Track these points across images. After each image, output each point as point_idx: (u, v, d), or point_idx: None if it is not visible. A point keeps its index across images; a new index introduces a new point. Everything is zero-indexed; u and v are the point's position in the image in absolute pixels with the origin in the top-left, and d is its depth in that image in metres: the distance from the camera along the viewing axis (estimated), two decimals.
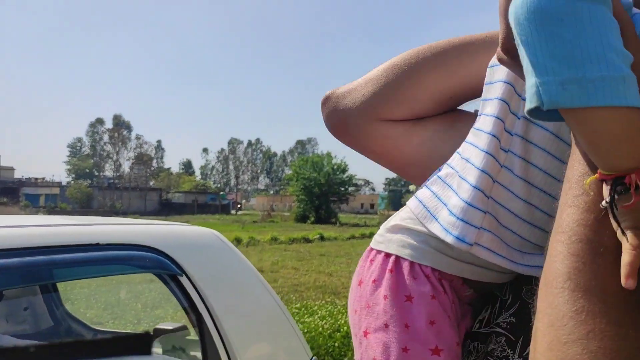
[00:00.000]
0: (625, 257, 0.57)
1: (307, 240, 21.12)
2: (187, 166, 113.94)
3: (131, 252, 1.58)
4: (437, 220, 0.83)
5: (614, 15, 0.59)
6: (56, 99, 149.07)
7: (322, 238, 22.01)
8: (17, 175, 79.32)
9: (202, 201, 67.58)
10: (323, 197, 43.27)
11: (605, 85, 0.55)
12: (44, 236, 1.43)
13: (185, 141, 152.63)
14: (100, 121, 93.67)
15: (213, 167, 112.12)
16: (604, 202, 0.61)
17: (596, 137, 0.59)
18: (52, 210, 45.82)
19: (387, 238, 0.88)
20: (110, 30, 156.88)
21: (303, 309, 6.59)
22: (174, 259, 1.67)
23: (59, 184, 71.16)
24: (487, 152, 0.81)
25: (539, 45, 0.58)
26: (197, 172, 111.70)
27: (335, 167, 45.64)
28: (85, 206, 57.97)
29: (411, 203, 0.90)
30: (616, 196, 0.60)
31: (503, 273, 0.82)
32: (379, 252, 0.87)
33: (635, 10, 0.67)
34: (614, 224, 0.61)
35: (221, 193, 78.44)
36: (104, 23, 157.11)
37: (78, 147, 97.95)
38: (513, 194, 0.81)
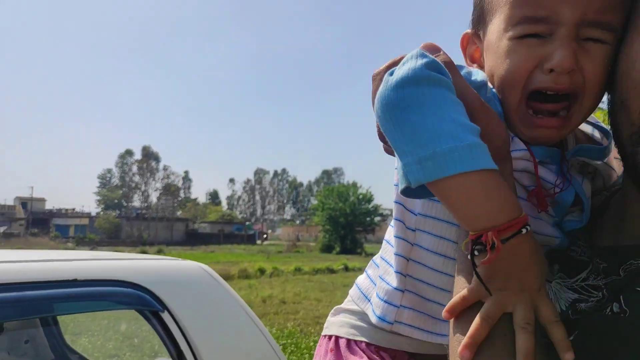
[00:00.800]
0: (474, 324, 0.63)
1: (331, 271, 20.95)
2: (214, 196, 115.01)
3: (109, 288, 1.58)
4: (369, 301, 0.92)
5: (458, 94, 0.67)
6: (87, 131, 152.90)
7: (346, 268, 21.81)
8: (49, 206, 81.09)
9: (228, 231, 67.91)
10: (348, 227, 43.08)
11: (454, 155, 0.61)
12: (20, 272, 1.45)
13: (212, 172, 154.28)
14: (129, 152, 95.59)
15: (239, 197, 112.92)
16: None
17: (455, 202, 0.65)
18: (80, 241, 46.53)
19: (329, 322, 0.99)
20: (138, 64, 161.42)
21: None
22: (155, 295, 1.66)
23: (88, 215, 72.40)
24: (396, 236, 0.88)
25: (395, 132, 0.65)
26: (224, 202, 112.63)
27: (360, 197, 45.54)
28: (113, 237, 58.80)
29: (352, 288, 1.01)
30: (476, 254, 0.64)
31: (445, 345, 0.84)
32: (323, 336, 0.98)
33: (490, 85, 0.77)
34: (475, 282, 0.63)
35: (247, 223, 78.75)
36: (133, 57, 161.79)
37: (107, 178, 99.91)
38: (429, 268, 0.85)
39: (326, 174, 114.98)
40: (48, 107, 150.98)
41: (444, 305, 0.68)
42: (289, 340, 7.86)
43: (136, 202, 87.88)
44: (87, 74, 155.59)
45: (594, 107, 0.76)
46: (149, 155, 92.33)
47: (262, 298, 12.05)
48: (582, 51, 0.71)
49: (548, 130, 0.74)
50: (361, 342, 0.91)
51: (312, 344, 7.71)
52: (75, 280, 1.53)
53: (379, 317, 0.88)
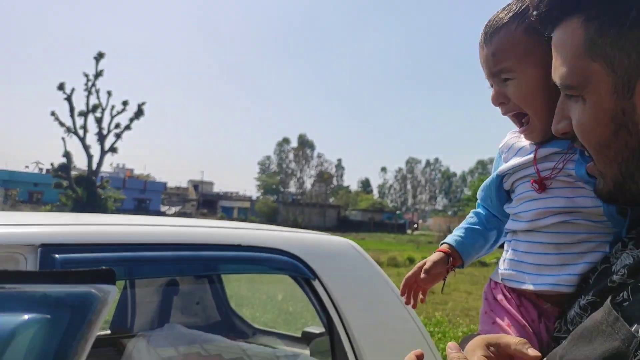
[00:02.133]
0: None
1: (483, 264, 20.25)
2: (365, 184, 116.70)
3: (268, 255, 1.75)
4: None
5: None
6: (250, 120, 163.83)
7: (499, 262, 20.90)
8: (216, 189, 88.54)
9: (379, 219, 68.60)
10: None
11: None
12: (197, 235, 1.66)
13: (364, 160, 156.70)
14: (286, 140, 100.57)
15: (390, 186, 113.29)
16: None
17: None
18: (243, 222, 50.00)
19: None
20: (294, 57, 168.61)
21: (469, 333, 6.38)
22: (307, 264, 1.80)
23: (249, 198, 77.75)
24: None
25: None
26: (375, 191, 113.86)
27: None
28: (270, 220, 62.48)
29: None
30: None
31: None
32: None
33: None
34: None
35: (397, 212, 78.85)
36: (289, 49, 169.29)
37: (267, 165, 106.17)
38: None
39: (481, 164, 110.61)
40: (215, 99, 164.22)
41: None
42: (436, 329, 7.80)
43: (292, 188, 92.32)
44: (248, 67, 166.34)
45: (540, 110, 1.03)
46: (304, 143, 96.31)
47: None
48: (505, 86, 1.07)
49: (526, 134, 1.10)
50: (501, 283, 1.15)
51: (460, 334, 7.57)
52: (239, 246, 1.71)
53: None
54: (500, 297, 1.13)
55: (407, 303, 1.31)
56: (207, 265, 1.70)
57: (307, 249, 1.86)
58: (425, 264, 1.26)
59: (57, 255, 1.35)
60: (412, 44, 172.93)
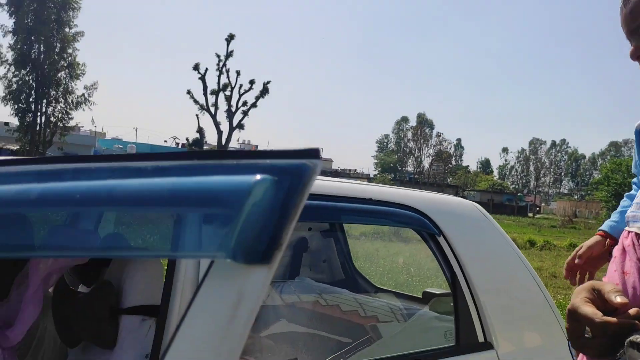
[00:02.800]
0: None
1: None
2: (485, 165, 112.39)
3: (396, 210, 1.90)
4: None
5: None
6: (369, 99, 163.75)
7: None
8: (334, 166, 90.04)
9: (498, 201, 65.90)
10: None
11: None
12: (332, 188, 1.85)
13: (484, 140, 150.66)
14: (405, 119, 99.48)
15: (512, 167, 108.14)
16: None
17: None
18: None
19: None
20: (412, 36, 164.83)
21: None
22: (432, 220, 1.92)
23: (367, 176, 78.22)
24: None
25: None
26: (495, 172, 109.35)
27: None
28: None
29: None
30: None
31: None
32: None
33: None
34: None
35: (519, 194, 75.21)
36: (409, 27, 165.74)
37: (385, 143, 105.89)
38: None
39: (614, 145, 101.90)
40: (335, 77, 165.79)
41: None
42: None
43: (409, 166, 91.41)
44: (370, 45, 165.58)
45: None
46: (423, 122, 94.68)
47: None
48: None
49: None
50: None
51: None
52: (370, 200, 1.88)
53: None
54: (627, 242, 1.20)
55: (573, 284, 1.46)
56: (342, 214, 1.88)
57: (433, 206, 1.98)
58: (580, 248, 1.41)
59: None
60: (534, 22, 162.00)
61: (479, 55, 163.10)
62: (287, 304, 2.55)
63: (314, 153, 0.61)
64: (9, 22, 33.26)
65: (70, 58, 34.32)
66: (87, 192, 0.61)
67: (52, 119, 33.13)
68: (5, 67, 33.35)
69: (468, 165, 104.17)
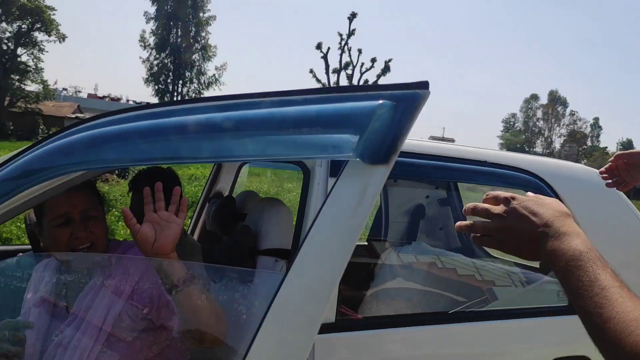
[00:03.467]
0: None
1: None
2: (627, 146, 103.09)
3: (511, 172, 1.96)
4: None
5: None
6: (495, 76, 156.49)
7: None
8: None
9: None
10: None
11: None
12: (449, 150, 1.97)
13: (627, 119, 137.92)
14: (534, 97, 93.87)
15: None
16: None
17: None
18: None
19: None
20: (543, 5, 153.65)
21: None
22: (548, 184, 1.96)
23: None
24: None
25: None
26: None
27: None
28: None
29: None
30: None
31: None
32: None
33: None
34: None
35: None
36: (541, 2, 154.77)
37: (511, 122, 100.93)
38: None
39: None
40: (458, 54, 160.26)
41: None
42: None
43: (538, 147, 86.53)
44: (496, 20, 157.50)
45: None
46: (555, 100, 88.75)
47: None
48: None
49: None
50: None
51: None
52: (485, 162, 1.96)
53: None
54: None
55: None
56: (458, 174, 1.99)
57: (549, 170, 2.02)
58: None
59: None
60: None
61: (621, 25, 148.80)
62: (404, 264, 2.69)
63: (423, 85, 0.81)
64: (152, 9, 36.14)
65: (203, 41, 36.61)
66: (260, 117, 0.87)
67: (186, 98, 35.66)
68: (147, 51, 36.39)
69: (606, 147, 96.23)
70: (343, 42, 33.98)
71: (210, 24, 36.57)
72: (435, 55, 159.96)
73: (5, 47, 35.53)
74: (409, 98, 0.85)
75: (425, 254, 2.84)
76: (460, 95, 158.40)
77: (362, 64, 34.26)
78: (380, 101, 0.84)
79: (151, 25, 36.29)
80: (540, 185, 1.95)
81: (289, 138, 0.92)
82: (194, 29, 36.05)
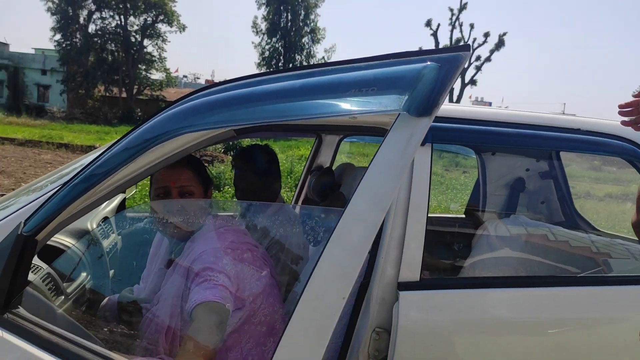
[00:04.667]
0: None
1: None
2: None
3: (605, 139, 1.93)
4: None
5: None
6: (618, 49, 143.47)
7: None
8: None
9: None
10: None
11: None
12: (544, 119, 1.98)
13: None
14: None
15: None
16: None
17: None
18: None
19: None
20: None
21: None
22: None
23: None
24: None
25: None
26: None
27: None
28: None
29: None
30: None
31: None
32: None
33: None
34: None
35: None
36: None
37: None
38: None
39: None
40: (577, 27, 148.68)
41: None
42: None
43: None
44: None
45: None
46: None
47: None
48: None
49: None
50: None
51: None
52: (579, 130, 1.95)
53: None
54: None
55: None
56: (552, 142, 1.99)
57: None
58: None
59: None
60: None
61: None
62: (512, 235, 2.66)
63: (465, 48, 0.94)
64: None
65: (312, 24, 37.22)
66: (327, 82, 1.09)
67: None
68: (259, 37, 37.67)
69: None
70: (454, 18, 33.00)
71: (319, 6, 37.06)
72: (555, 27, 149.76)
73: (133, 40, 38.49)
74: (451, 59, 1.01)
75: (533, 226, 2.79)
76: (580, 68, 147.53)
77: (474, 39, 33.09)
78: (427, 63, 1.01)
79: (262, 11, 37.57)
80: (636, 151, 1.91)
81: (352, 99, 1.11)
82: (303, 12, 36.76)
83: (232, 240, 1.76)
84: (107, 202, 2.63)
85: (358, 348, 1.74)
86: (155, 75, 39.63)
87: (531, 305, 1.83)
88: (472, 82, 33.57)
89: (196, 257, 1.67)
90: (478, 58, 33.28)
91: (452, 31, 33.00)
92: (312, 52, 37.38)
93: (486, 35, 32.64)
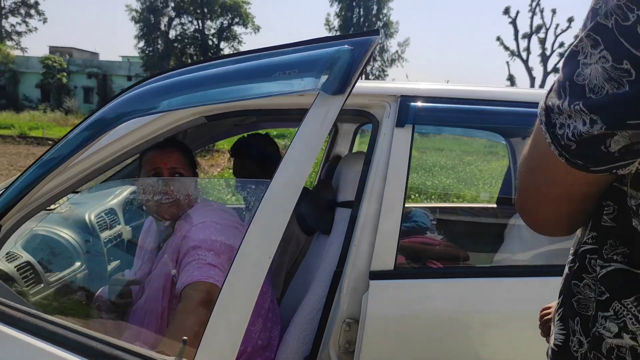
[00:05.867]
0: None
1: None
2: None
3: None
4: None
5: None
6: None
7: None
8: None
9: None
10: None
11: None
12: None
13: None
14: None
15: None
16: None
17: None
18: None
19: None
20: None
21: None
22: None
23: None
24: None
25: None
26: None
27: None
28: None
29: None
30: None
31: None
32: None
33: None
34: None
35: None
36: None
37: None
38: None
39: None
40: None
41: None
42: None
43: None
44: None
45: None
46: None
47: None
48: None
49: None
50: None
51: None
52: None
53: None
54: None
55: None
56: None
57: None
58: None
59: (411, 104, 1.76)
60: None
61: None
62: None
63: (375, 32, 1.14)
64: None
65: (385, 18, 36.89)
66: (257, 66, 1.29)
67: (370, 77, 36.38)
68: (332, 33, 37.87)
69: None
70: (534, 3, 31.53)
71: (392, 0, 36.65)
72: None
73: (210, 43, 39.86)
74: (363, 42, 1.14)
75: None
76: None
77: (557, 25, 31.43)
78: (343, 46, 1.14)
79: (335, 8, 37.67)
80: None
81: (276, 81, 1.21)
82: (375, 7, 36.50)
83: (220, 217, 1.79)
84: (114, 194, 2.72)
85: (329, 339, 1.67)
86: None
87: (508, 295, 1.71)
88: (556, 70, 31.89)
89: (185, 235, 1.70)
90: (561, 45, 31.58)
91: (532, 18, 31.49)
92: (385, 47, 37.02)
93: (570, 20, 30.91)
